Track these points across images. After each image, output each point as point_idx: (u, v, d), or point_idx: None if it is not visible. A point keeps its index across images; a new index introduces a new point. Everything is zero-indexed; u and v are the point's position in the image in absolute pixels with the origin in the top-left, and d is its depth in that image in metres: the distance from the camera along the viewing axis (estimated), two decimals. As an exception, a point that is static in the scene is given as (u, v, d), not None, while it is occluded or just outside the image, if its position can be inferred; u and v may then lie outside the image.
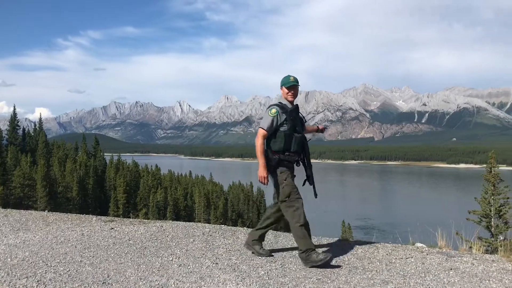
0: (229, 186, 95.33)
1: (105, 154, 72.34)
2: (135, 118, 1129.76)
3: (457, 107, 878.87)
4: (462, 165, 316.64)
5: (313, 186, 4.82)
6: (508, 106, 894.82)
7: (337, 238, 5.91)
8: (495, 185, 17.72)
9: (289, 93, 4.74)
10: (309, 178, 4.77)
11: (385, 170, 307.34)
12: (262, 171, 4.59)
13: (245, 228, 6.45)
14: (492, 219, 17.36)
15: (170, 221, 7.18)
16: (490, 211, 17.50)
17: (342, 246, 5.36)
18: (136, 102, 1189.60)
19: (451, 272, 4.32)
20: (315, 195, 4.91)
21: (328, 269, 4.42)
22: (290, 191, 4.62)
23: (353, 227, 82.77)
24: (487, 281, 4.05)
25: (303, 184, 4.80)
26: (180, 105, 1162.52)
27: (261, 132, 4.62)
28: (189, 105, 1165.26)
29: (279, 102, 4.76)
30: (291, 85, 4.74)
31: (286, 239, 5.70)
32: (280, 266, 4.52)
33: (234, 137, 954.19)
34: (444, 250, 5.29)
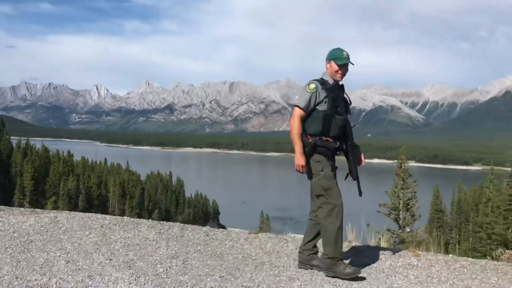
0: (147, 175, 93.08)
1: (12, 137, 67.38)
2: (47, 100, 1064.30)
3: (373, 105, 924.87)
4: (376, 160, 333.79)
5: (357, 181, 4.08)
6: (419, 106, 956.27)
7: (247, 231, 5.63)
8: (405, 180, 18.67)
9: (339, 72, 3.96)
10: (352, 172, 4.03)
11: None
12: (299, 158, 3.87)
13: (150, 220, 5.95)
14: (401, 212, 18.28)
15: (67, 211, 6.51)
16: (399, 204, 18.41)
17: (251, 240, 5.09)
18: (50, 83, 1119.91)
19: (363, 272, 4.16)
20: (360, 193, 4.06)
21: (233, 265, 4.11)
22: (328, 185, 3.89)
23: (272, 218, 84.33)
24: (393, 277, 3.95)
25: (345, 178, 4.13)
26: (97, 89, 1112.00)
27: (298, 112, 3.87)
28: (107, 90, 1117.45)
29: (321, 78, 4.00)
30: (344, 63, 3.94)
31: (193, 232, 5.31)
32: (182, 262, 4.14)
33: (155, 125, 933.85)
34: (353, 244, 5.20)
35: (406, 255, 4.68)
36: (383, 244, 5.48)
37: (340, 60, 3.92)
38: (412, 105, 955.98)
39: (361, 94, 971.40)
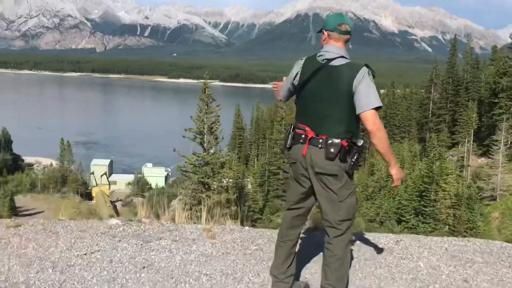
0: None
1: None
2: None
3: (178, 23, 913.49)
4: (181, 80, 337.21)
5: None
6: (221, 26, 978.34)
7: (9, 220, 4.33)
8: (208, 105, 18.89)
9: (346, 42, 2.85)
10: None
11: (108, 83, 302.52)
12: (400, 171, 2.79)
13: None
14: (205, 136, 18.64)
15: None
16: (204, 128, 18.69)
17: (9, 238, 3.85)
18: None
19: (142, 275, 3.30)
20: None
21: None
22: (355, 207, 2.86)
23: (74, 144, 79.10)
24: (182, 285, 3.20)
25: None
26: None
27: (377, 115, 2.66)
28: None
29: (342, 55, 2.77)
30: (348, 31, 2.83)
31: None
32: None
33: None
34: (144, 225, 4.38)
35: (200, 237, 4.09)
36: (177, 221, 4.80)
37: (339, 22, 2.87)
38: (215, 25, 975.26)
39: (165, 11, 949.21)
